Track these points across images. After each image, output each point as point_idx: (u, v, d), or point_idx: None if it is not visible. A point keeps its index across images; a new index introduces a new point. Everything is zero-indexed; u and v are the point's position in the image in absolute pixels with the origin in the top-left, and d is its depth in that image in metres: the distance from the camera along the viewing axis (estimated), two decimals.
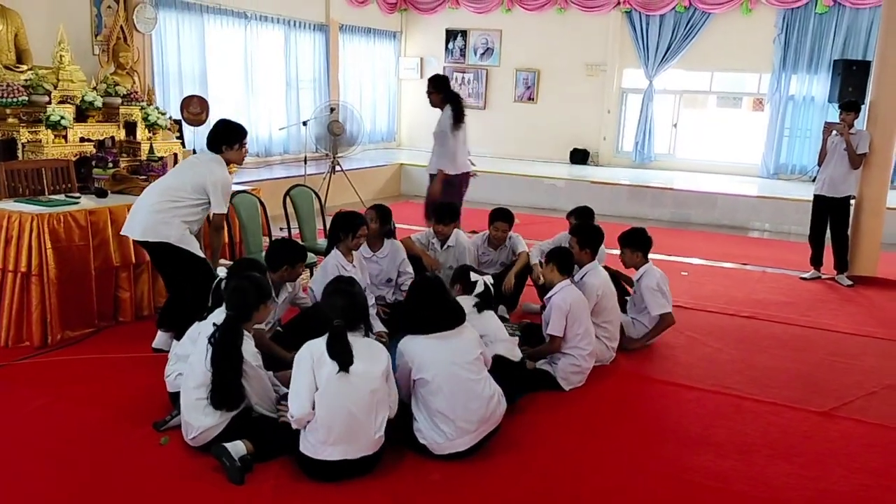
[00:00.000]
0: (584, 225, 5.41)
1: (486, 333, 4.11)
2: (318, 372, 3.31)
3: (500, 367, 4.04)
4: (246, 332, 3.59)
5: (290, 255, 4.47)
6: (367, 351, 3.42)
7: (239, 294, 3.61)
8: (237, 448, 3.36)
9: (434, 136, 7.05)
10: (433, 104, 6.95)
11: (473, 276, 4.36)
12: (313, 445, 3.32)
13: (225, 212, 4.69)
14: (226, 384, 3.45)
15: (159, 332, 4.79)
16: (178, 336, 4.18)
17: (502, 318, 4.94)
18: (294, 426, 3.37)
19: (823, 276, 7.57)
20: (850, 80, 10.67)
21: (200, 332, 3.63)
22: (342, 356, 3.30)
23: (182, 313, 4.45)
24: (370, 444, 3.37)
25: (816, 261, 7.63)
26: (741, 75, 12.86)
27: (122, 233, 4.77)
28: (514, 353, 4.29)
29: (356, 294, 3.57)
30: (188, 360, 3.66)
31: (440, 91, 6.97)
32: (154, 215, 4.51)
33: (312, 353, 3.35)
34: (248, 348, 3.55)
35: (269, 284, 3.84)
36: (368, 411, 3.34)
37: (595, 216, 5.93)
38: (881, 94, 7.36)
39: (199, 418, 3.49)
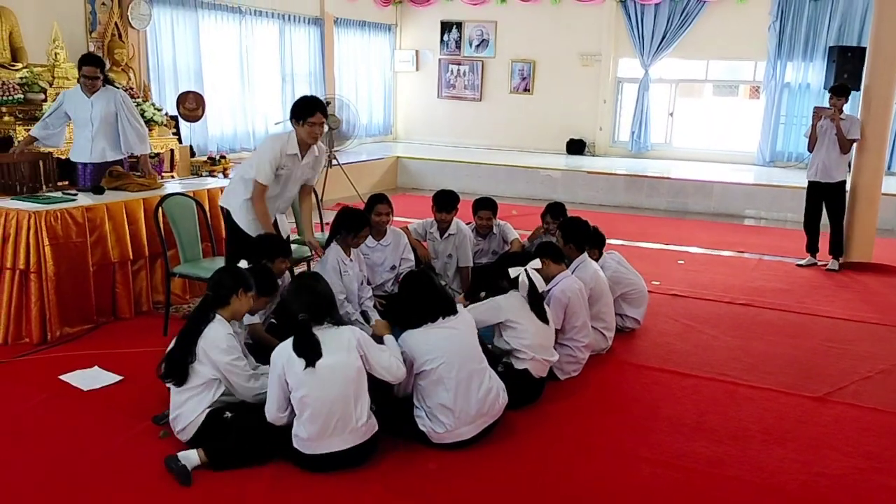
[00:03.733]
0: (564, 222, 5.37)
1: (519, 349, 4.11)
2: (289, 374, 3.33)
3: (519, 379, 4.07)
4: (220, 318, 3.57)
5: (265, 251, 4.38)
6: (335, 341, 3.39)
7: (216, 279, 3.68)
8: (189, 457, 3.38)
9: (102, 119, 5.87)
10: (95, 89, 5.82)
11: (514, 271, 4.21)
12: (303, 441, 3.36)
13: (254, 177, 4.62)
14: (173, 355, 3.49)
15: None
16: None
17: None
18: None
19: (819, 263, 7.59)
20: (846, 67, 10.67)
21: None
22: (308, 352, 3.31)
23: None
24: (358, 434, 3.39)
25: (812, 248, 7.65)
26: (737, 63, 12.87)
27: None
28: (542, 372, 4.22)
29: (320, 288, 3.56)
30: None
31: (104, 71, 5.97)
32: (230, 183, 4.89)
33: (281, 358, 3.37)
34: (215, 334, 3.51)
35: (250, 276, 3.78)
36: (346, 403, 3.34)
37: (567, 211, 5.90)
38: (875, 81, 7.37)
39: (187, 408, 3.53)
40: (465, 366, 3.63)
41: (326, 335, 3.40)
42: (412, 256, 5.41)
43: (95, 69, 5.79)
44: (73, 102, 5.89)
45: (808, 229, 7.65)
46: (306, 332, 3.37)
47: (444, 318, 3.72)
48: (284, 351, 3.38)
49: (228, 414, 3.52)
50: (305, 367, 3.30)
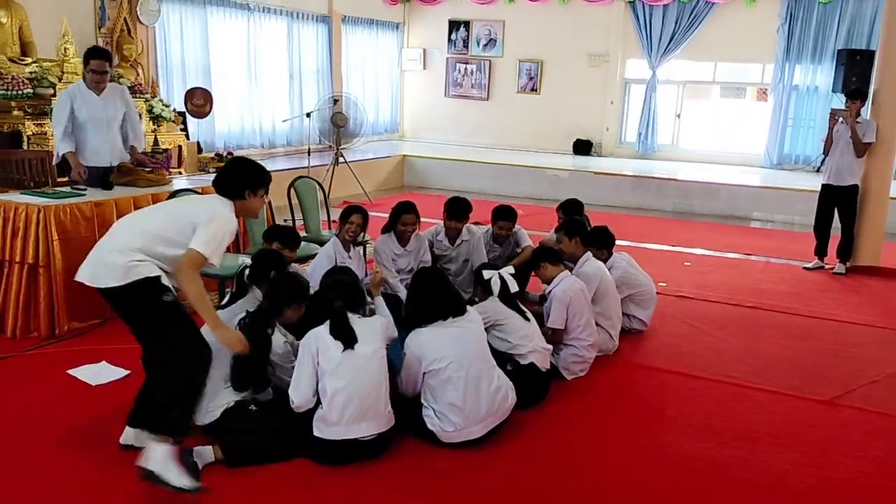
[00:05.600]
0: (567, 220, 5.43)
1: (519, 343, 4.16)
2: (322, 357, 3.41)
3: (527, 375, 4.09)
4: (278, 325, 3.71)
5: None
6: (367, 330, 3.53)
7: (274, 289, 3.74)
8: (203, 453, 3.38)
9: (116, 118, 5.67)
10: (104, 85, 5.57)
11: (487, 273, 4.33)
12: (329, 427, 3.38)
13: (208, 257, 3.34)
14: (248, 366, 3.56)
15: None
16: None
17: None
18: (296, 410, 3.49)
19: (827, 267, 7.57)
20: (854, 70, 10.64)
21: (230, 320, 3.69)
22: (345, 335, 3.43)
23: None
24: (383, 419, 3.47)
25: (821, 251, 7.63)
26: (745, 65, 12.86)
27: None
28: (546, 364, 4.26)
29: (353, 280, 3.76)
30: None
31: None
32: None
33: (315, 341, 3.46)
34: (277, 340, 3.68)
35: (307, 287, 3.87)
36: (378, 388, 3.45)
37: (584, 208, 5.95)
38: (885, 84, 7.35)
39: (220, 397, 3.56)
40: (474, 365, 3.63)
41: (359, 325, 3.51)
42: (429, 258, 5.40)
43: (104, 63, 5.51)
44: (82, 102, 5.51)
45: (818, 232, 7.63)
46: (342, 319, 3.47)
47: (453, 318, 3.73)
48: (317, 336, 3.48)
49: (253, 407, 3.58)
50: (343, 350, 3.40)
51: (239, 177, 3.57)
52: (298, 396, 3.44)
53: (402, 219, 5.21)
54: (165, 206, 3.62)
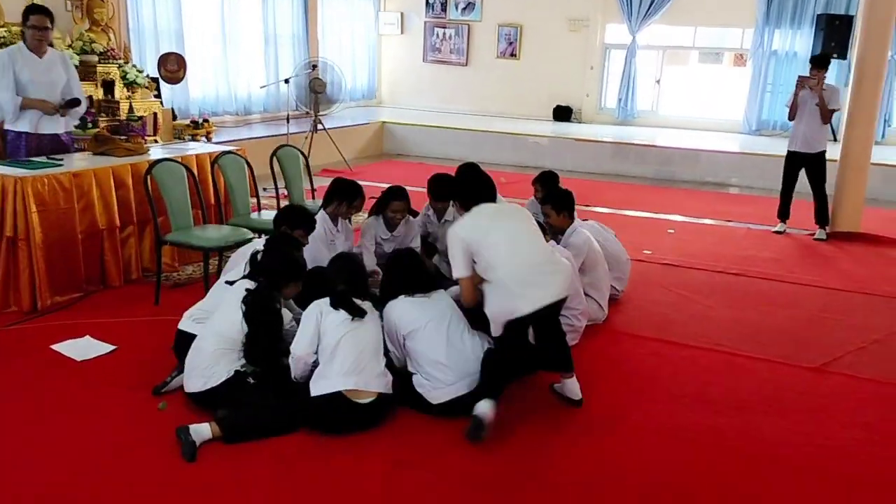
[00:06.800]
0: (553, 192, 5.35)
1: None
2: (326, 318, 3.55)
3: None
4: (283, 302, 3.82)
5: (288, 219, 4.41)
6: (370, 311, 3.68)
7: (273, 267, 3.77)
8: (200, 431, 3.34)
9: (57, 84, 5.55)
10: (44, 44, 5.45)
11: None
12: (326, 381, 3.46)
13: None
14: (262, 341, 3.60)
15: None
16: None
17: None
18: (293, 372, 3.61)
19: (806, 233, 7.64)
20: (833, 35, 10.65)
21: (225, 297, 3.75)
22: (351, 309, 3.57)
23: None
24: (380, 379, 3.55)
25: (783, 213, 7.76)
26: (724, 30, 12.79)
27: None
28: None
29: (359, 267, 3.92)
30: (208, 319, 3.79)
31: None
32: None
33: (321, 306, 3.60)
34: (285, 316, 3.80)
35: (303, 266, 3.95)
36: (374, 343, 3.61)
37: (559, 179, 5.88)
38: (868, 50, 7.35)
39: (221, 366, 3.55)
40: (452, 324, 3.76)
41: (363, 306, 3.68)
42: (418, 244, 5.31)
43: (44, 18, 5.26)
44: (24, 64, 5.28)
45: (783, 196, 7.74)
46: (346, 301, 3.60)
47: (423, 293, 3.86)
48: (324, 302, 3.61)
49: (251, 380, 3.60)
50: (353, 320, 3.55)
51: None
52: (299, 348, 3.56)
53: (392, 205, 5.04)
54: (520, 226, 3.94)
